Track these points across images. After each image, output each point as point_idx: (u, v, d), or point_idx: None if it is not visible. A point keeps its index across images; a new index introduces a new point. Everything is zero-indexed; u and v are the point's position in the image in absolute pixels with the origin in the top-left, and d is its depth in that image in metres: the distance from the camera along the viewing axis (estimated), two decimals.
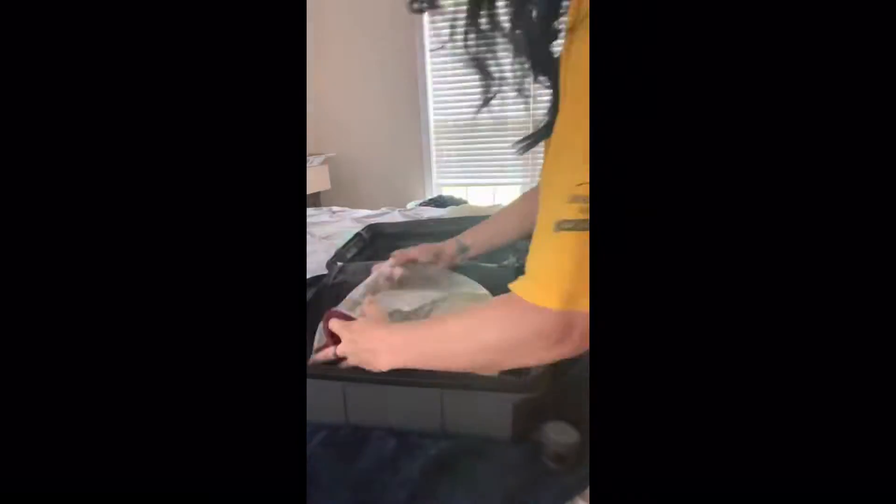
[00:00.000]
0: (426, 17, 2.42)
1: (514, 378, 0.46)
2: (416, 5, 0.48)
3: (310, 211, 1.77)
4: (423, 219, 1.47)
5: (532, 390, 0.46)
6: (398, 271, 0.70)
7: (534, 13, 0.41)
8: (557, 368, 0.48)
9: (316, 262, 1.11)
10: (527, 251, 0.38)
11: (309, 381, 0.49)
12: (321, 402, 0.50)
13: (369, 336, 0.50)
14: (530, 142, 0.49)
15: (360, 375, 0.49)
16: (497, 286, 0.64)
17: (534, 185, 1.04)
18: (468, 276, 0.73)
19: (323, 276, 0.80)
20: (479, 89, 0.49)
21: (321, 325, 0.57)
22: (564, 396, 0.48)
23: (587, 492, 0.41)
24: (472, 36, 0.45)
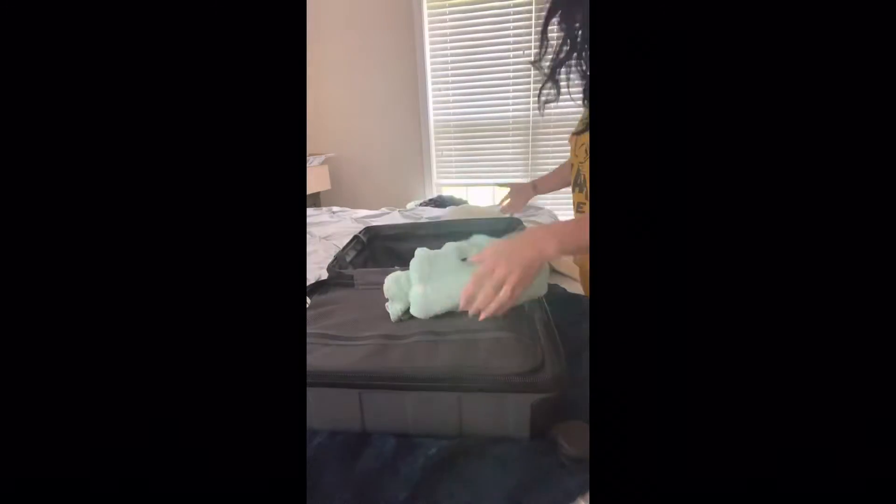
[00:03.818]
0: (426, 17, 2.42)
1: (531, 379, 0.46)
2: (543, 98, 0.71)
3: (310, 211, 1.77)
4: (423, 220, 1.47)
5: (549, 390, 0.46)
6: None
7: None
8: (573, 366, 0.50)
9: (316, 261, 1.11)
10: None
11: (324, 389, 0.49)
12: (336, 409, 0.49)
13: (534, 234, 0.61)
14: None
15: (376, 382, 0.48)
16: None
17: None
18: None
19: (324, 281, 0.80)
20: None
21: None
22: (581, 395, 0.49)
23: (589, 493, 0.41)
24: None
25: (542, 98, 0.70)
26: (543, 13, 0.67)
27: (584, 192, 0.79)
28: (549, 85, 0.70)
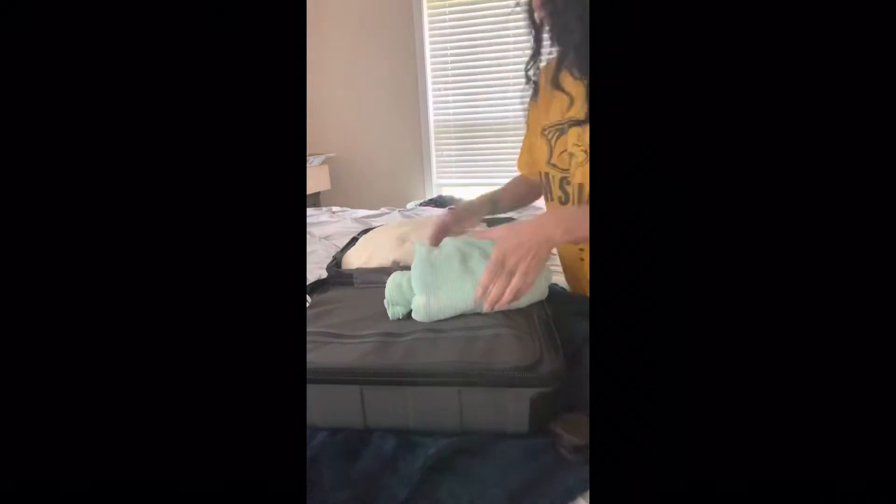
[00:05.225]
0: (426, 17, 2.42)
1: (530, 373, 0.47)
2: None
3: (310, 211, 1.77)
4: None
5: (548, 384, 0.46)
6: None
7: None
8: (571, 362, 0.50)
9: (316, 261, 1.11)
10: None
11: (326, 386, 0.49)
12: (338, 405, 0.50)
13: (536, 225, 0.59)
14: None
15: (377, 378, 0.49)
16: None
17: None
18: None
19: (323, 280, 0.80)
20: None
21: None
22: (580, 388, 0.49)
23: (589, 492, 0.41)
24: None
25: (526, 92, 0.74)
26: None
27: (567, 202, 0.75)
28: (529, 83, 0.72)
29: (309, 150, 2.72)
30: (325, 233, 1.42)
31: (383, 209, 1.82)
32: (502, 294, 0.55)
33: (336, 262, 0.89)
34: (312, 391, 0.48)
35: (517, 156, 1.05)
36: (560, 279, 0.92)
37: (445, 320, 0.58)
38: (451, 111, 2.57)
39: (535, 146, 0.81)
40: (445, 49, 2.47)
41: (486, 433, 0.48)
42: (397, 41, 2.50)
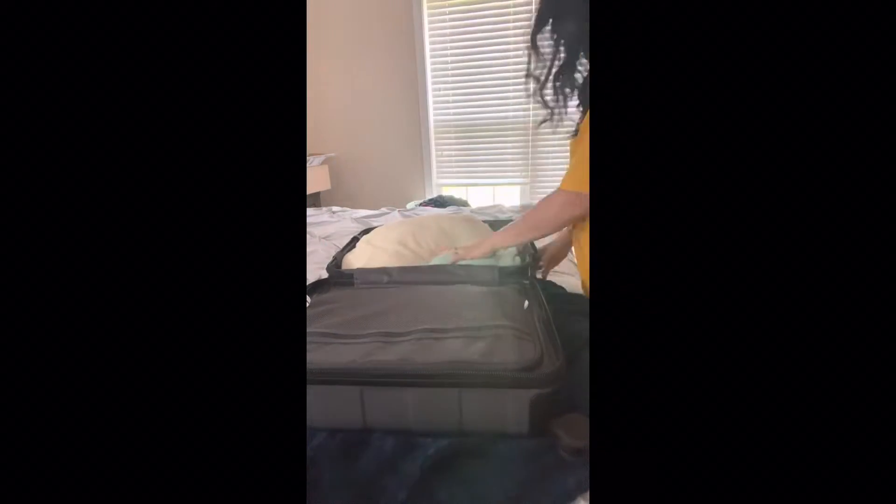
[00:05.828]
0: (426, 17, 2.42)
1: (530, 374, 0.47)
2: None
3: (310, 211, 1.77)
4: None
5: (547, 385, 0.46)
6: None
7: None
8: (571, 363, 0.50)
9: (316, 262, 1.11)
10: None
11: (326, 387, 0.49)
12: (338, 405, 0.50)
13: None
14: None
15: (377, 378, 0.49)
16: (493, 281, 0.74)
17: (533, 184, 1.11)
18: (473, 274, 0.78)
19: (324, 280, 0.80)
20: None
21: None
22: (580, 390, 0.49)
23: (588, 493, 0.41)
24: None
25: (540, 119, 0.81)
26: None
27: None
28: (541, 104, 0.76)
29: (309, 150, 2.72)
30: (325, 233, 1.42)
31: (383, 209, 1.83)
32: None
33: (336, 262, 0.89)
34: (312, 391, 0.48)
35: (516, 156, 1.11)
36: (560, 279, 0.92)
37: (445, 320, 0.58)
38: (451, 111, 2.57)
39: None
40: (445, 49, 2.47)
41: (486, 434, 0.48)
42: (397, 41, 2.50)
